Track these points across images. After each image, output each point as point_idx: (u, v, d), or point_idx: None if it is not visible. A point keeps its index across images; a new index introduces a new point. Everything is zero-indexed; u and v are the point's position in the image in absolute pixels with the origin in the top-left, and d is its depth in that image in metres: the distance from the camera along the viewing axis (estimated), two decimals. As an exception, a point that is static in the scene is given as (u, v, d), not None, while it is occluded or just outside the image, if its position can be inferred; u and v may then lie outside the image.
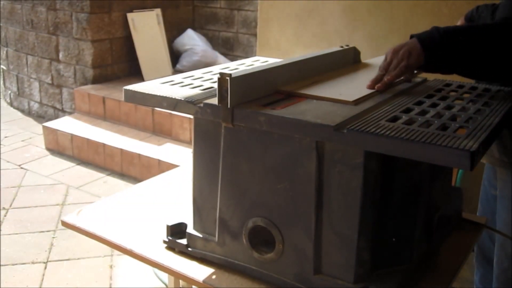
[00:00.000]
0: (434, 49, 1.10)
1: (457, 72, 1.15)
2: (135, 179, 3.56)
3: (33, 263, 2.62)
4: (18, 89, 5.06)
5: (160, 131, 3.88)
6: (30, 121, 4.83)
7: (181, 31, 4.97)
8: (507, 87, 1.22)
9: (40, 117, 4.84)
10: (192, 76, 1.29)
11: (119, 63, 4.55)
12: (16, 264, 2.61)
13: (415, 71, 1.22)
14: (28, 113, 5.00)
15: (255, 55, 1.79)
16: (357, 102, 1.03)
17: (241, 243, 1.08)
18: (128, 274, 2.55)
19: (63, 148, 4.03)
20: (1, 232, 2.89)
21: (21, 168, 3.79)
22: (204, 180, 1.12)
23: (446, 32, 1.09)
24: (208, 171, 1.11)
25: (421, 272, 1.10)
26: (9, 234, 2.88)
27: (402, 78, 1.19)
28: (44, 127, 4.13)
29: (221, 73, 0.98)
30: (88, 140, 3.86)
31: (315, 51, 1.37)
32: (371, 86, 1.15)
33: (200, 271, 1.12)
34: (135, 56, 4.49)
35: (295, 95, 1.09)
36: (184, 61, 4.75)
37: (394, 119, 0.95)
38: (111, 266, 2.60)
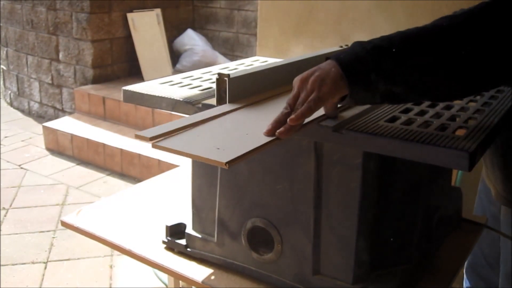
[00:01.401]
0: (360, 70, 0.80)
1: (396, 98, 0.84)
2: (135, 179, 3.56)
3: (33, 263, 2.62)
4: (18, 89, 5.06)
5: (160, 131, 3.88)
6: (30, 121, 4.83)
7: (181, 31, 4.97)
8: (507, 87, 1.21)
9: (40, 117, 4.84)
10: (191, 76, 1.28)
11: (119, 63, 4.55)
12: (16, 264, 2.61)
13: (339, 105, 0.89)
14: (28, 113, 5.00)
15: (255, 55, 1.79)
16: (231, 163, 0.72)
17: (240, 243, 1.07)
18: (128, 274, 2.55)
19: (63, 148, 4.03)
20: (1, 232, 2.89)
21: (21, 168, 3.79)
22: (203, 180, 1.12)
23: (375, 47, 0.80)
24: (207, 172, 1.11)
25: (421, 272, 1.10)
26: (9, 234, 2.88)
27: (323, 114, 0.90)
28: (44, 127, 4.13)
29: (219, 74, 0.98)
30: (88, 140, 3.86)
31: (315, 51, 1.36)
32: (270, 132, 0.79)
33: (199, 272, 1.12)
34: (135, 56, 4.49)
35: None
36: (184, 61, 4.74)
37: (393, 119, 0.94)
38: (111, 266, 2.60)
